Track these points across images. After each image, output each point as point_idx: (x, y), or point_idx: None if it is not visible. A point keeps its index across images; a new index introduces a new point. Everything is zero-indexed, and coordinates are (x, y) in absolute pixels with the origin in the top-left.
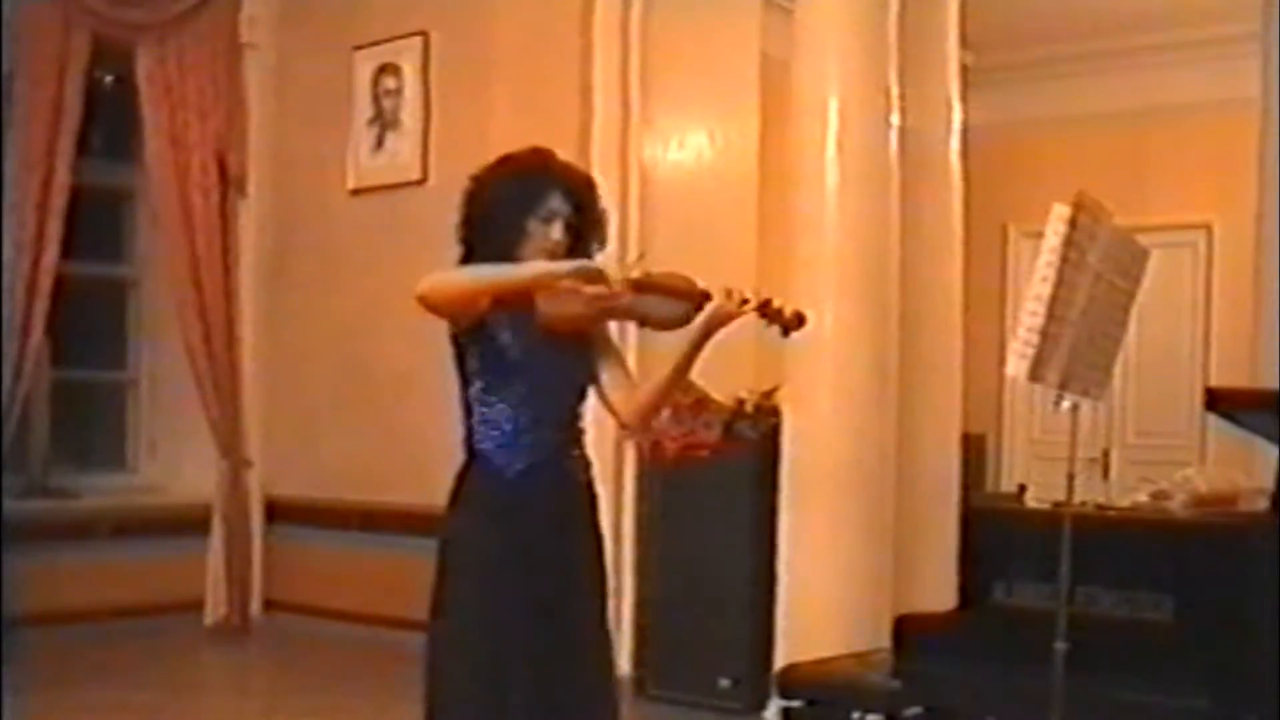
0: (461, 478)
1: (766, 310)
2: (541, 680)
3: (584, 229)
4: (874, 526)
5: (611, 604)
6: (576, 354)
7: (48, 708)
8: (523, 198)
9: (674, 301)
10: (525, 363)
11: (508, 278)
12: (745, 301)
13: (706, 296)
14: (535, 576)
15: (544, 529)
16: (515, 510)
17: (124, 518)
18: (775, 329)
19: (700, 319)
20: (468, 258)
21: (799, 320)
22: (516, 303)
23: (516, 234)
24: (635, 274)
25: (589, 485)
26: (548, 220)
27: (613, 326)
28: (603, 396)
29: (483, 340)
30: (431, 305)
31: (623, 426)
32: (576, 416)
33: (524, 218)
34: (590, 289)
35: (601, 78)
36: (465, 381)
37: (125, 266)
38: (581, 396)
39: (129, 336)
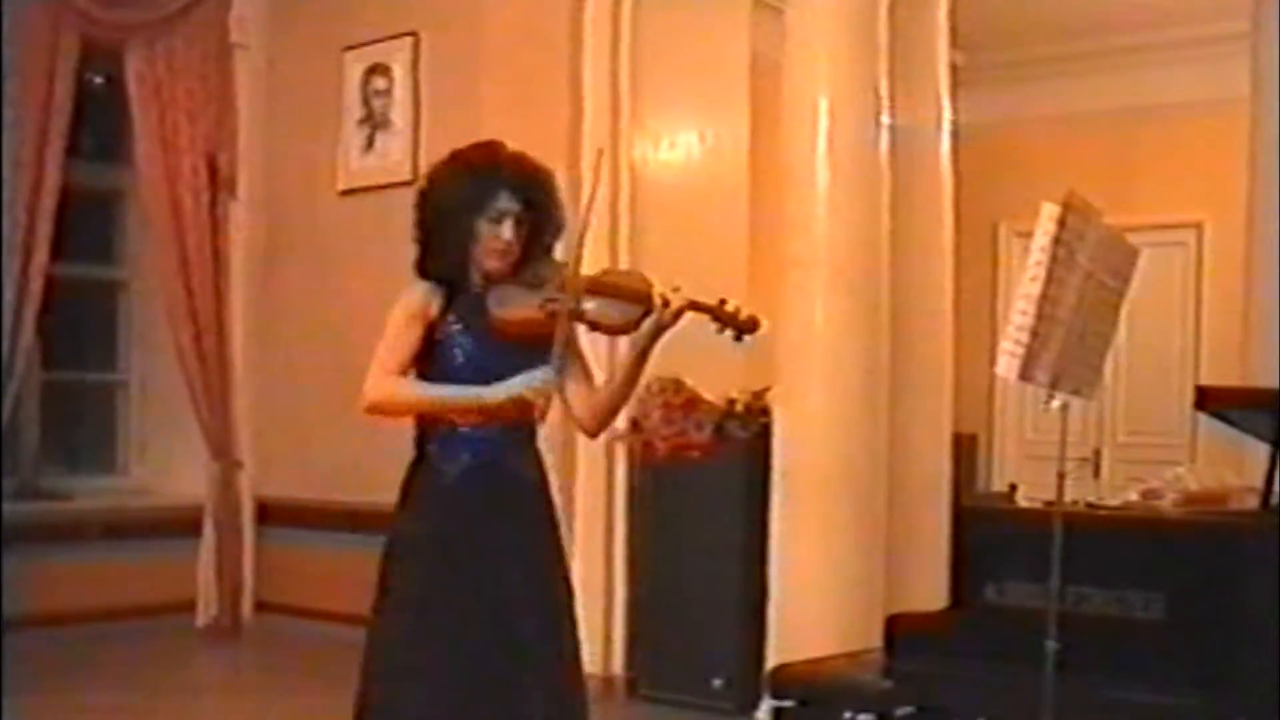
0: (409, 476)
1: (719, 313)
2: (484, 679)
3: (537, 225)
4: (865, 526)
5: (603, 605)
6: (527, 353)
7: (39, 710)
8: (471, 198)
9: (622, 306)
10: (472, 367)
11: (450, 401)
12: (695, 305)
13: (662, 300)
14: (480, 575)
15: (488, 528)
16: (459, 509)
17: (114, 519)
18: (728, 333)
19: (646, 324)
20: (423, 259)
21: (752, 324)
22: (469, 307)
23: (466, 235)
24: (590, 274)
25: (541, 483)
26: (497, 220)
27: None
28: (563, 398)
29: (431, 345)
30: (379, 415)
31: (581, 429)
32: (528, 418)
33: (473, 218)
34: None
35: (591, 77)
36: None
37: (115, 268)
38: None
39: (119, 338)
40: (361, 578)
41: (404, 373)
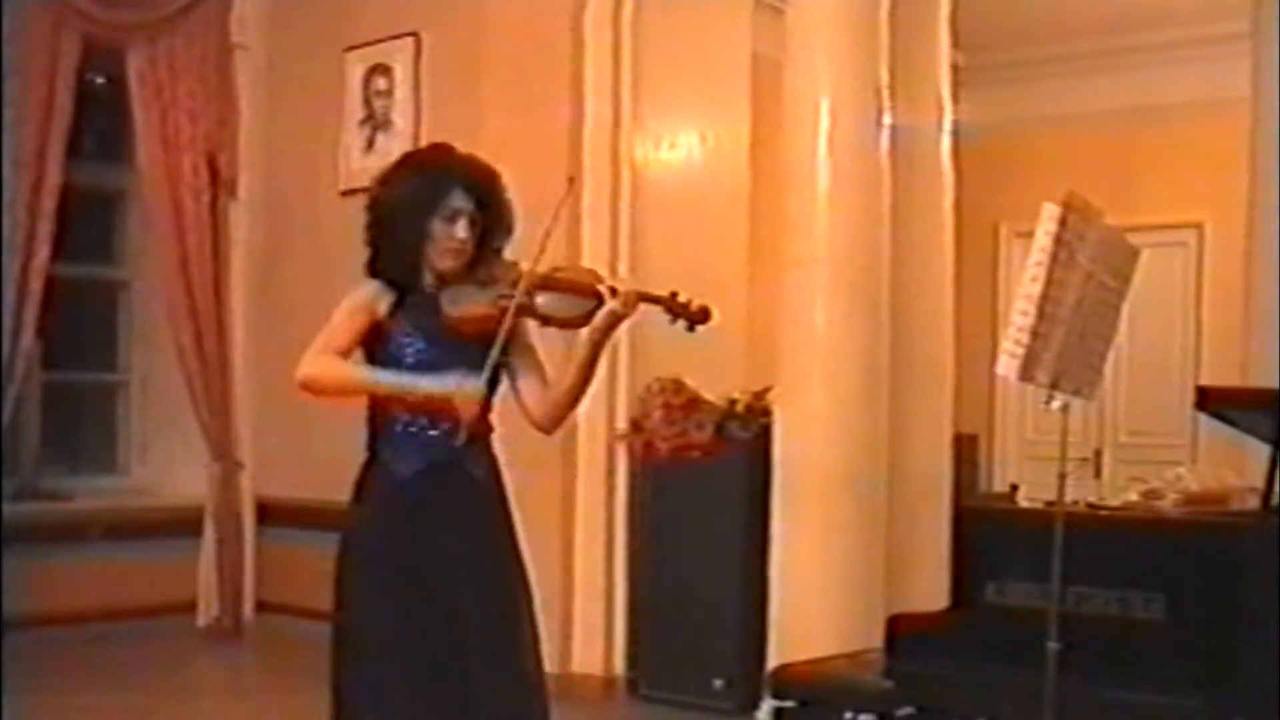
0: (362, 475)
1: (671, 305)
2: (441, 678)
3: (488, 225)
4: (866, 526)
5: (603, 605)
6: (477, 352)
7: (40, 710)
8: (424, 197)
9: (575, 299)
10: (420, 367)
11: (381, 384)
12: (646, 297)
13: (613, 292)
14: (433, 576)
15: (442, 529)
16: (412, 510)
17: (115, 520)
18: (681, 324)
19: (599, 317)
20: (375, 260)
21: (704, 315)
22: (421, 308)
23: (420, 235)
24: (541, 270)
25: (495, 483)
26: (451, 219)
27: (531, 326)
28: (516, 397)
29: (381, 345)
30: (312, 393)
31: (534, 427)
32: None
33: (426, 218)
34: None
35: (592, 78)
36: None
37: (116, 268)
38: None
39: (120, 338)
40: None
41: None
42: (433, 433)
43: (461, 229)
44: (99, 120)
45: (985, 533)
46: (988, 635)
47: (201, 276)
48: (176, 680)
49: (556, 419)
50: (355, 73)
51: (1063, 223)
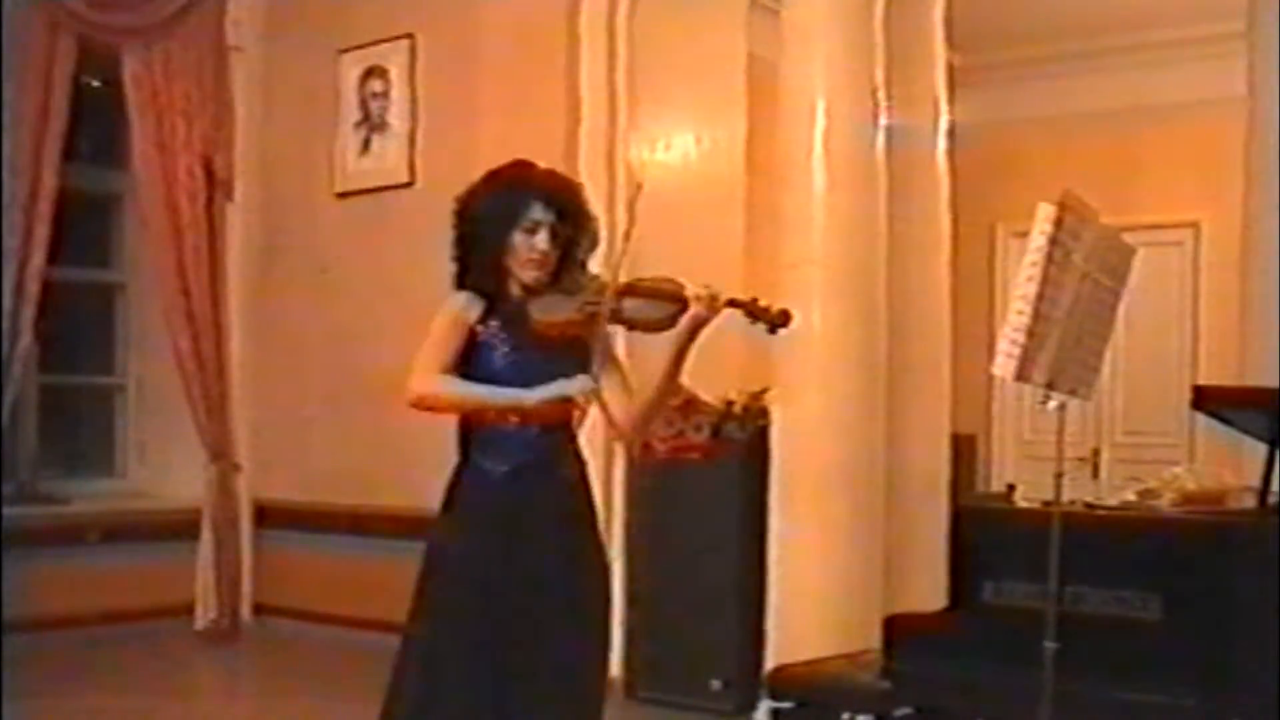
0: (454, 480)
1: (753, 309)
2: (519, 691)
3: (571, 236)
4: (863, 527)
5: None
6: (567, 359)
7: (38, 714)
8: (504, 211)
9: (659, 304)
10: (513, 369)
11: (491, 400)
12: (730, 302)
13: (698, 296)
14: (525, 582)
15: (535, 532)
16: (504, 513)
17: (113, 523)
18: (761, 327)
19: (684, 321)
20: (462, 275)
21: (785, 318)
22: (509, 315)
23: (503, 248)
24: (622, 279)
25: (582, 483)
26: (531, 231)
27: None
28: (602, 405)
29: (472, 353)
30: (423, 409)
31: (621, 435)
32: (568, 419)
33: (508, 231)
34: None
35: (588, 80)
36: None
37: (113, 271)
38: (572, 400)
39: (117, 341)
40: (360, 581)
41: (446, 373)
42: (523, 433)
43: (542, 240)
44: (95, 124)
45: (983, 533)
46: (985, 635)
47: (198, 279)
48: (175, 683)
49: (642, 428)
50: (351, 75)
51: (1058, 223)
